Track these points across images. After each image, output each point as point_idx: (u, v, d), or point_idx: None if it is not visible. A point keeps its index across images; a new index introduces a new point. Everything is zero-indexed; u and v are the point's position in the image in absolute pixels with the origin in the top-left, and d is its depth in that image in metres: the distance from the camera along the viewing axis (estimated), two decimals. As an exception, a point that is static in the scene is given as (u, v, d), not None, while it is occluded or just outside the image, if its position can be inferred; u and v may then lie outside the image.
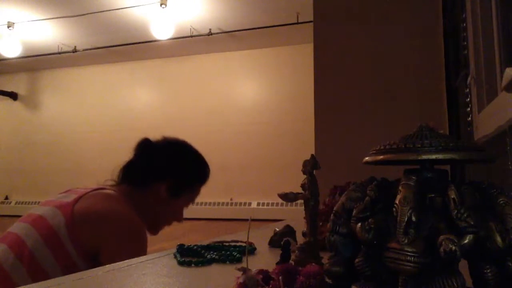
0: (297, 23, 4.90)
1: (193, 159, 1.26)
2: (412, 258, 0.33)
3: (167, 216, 1.24)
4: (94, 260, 0.99)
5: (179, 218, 1.26)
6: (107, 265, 0.69)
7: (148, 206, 1.17)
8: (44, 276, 0.94)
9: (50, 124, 6.93)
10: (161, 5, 4.58)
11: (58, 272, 0.95)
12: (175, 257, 0.72)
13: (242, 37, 5.59)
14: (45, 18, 4.99)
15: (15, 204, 6.75)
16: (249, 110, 6.01)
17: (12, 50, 5.56)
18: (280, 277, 0.43)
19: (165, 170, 1.19)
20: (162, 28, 4.89)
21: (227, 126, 6.05)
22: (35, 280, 0.93)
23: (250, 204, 5.74)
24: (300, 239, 0.78)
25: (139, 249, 1.05)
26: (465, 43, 1.47)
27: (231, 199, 5.84)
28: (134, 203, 1.12)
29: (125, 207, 1.08)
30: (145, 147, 1.21)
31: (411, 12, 1.79)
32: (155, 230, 1.23)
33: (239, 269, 0.45)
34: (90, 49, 5.93)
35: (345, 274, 0.41)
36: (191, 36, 5.39)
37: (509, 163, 0.88)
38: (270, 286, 0.43)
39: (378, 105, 1.78)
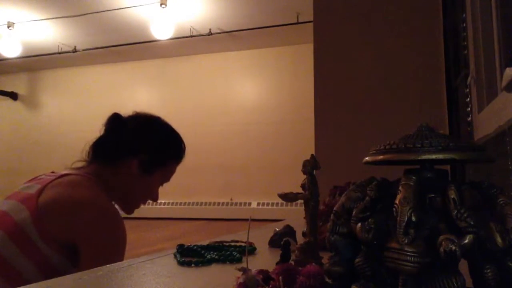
0: (297, 23, 4.90)
1: (166, 134, 1.20)
2: (412, 258, 0.33)
3: (140, 194, 1.18)
4: (72, 253, 0.95)
5: (154, 196, 1.19)
6: (107, 265, 0.69)
7: (120, 184, 1.12)
8: (15, 274, 0.90)
9: (50, 124, 6.93)
10: (161, 5, 4.58)
11: (31, 269, 0.91)
12: (175, 257, 0.72)
13: (242, 37, 5.59)
14: (45, 18, 5.00)
15: (15, 204, 6.75)
16: (249, 110, 6.01)
17: (12, 50, 5.56)
18: (280, 277, 0.43)
19: (136, 145, 1.14)
20: (162, 28, 4.90)
21: (227, 126, 6.05)
22: (7, 279, 0.90)
23: (250, 204, 5.74)
24: (300, 239, 0.78)
25: (116, 233, 1.00)
26: (465, 43, 1.47)
27: (231, 199, 5.85)
28: (104, 183, 1.08)
29: (93, 192, 1.02)
30: (115, 122, 1.16)
31: (411, 12, 1.79)
32: (129, 209, 1.17)
33: (239, 269, 0.45)
34: (90, 49, 5.93)
35: (345, 274, 0.41)
36: (191, 36, 5.39)
37: (509, 163, 0.88)
38: (270, 286, 0.43)
39: (378, 105, 1.78)
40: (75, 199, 0.99)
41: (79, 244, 0.95)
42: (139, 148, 1.14)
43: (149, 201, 1.22)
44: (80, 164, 1.14)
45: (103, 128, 1.16)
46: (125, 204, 1.16)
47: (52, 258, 0.93)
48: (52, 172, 1.11)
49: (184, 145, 1.22)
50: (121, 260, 0.99)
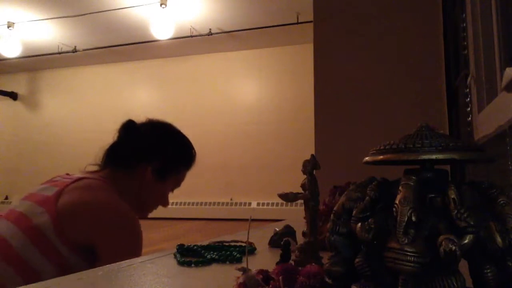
0: (297, 23, 4.90)
1: (179, 141, 1.23)
2: (412, 258, 0.33)
3: (153, 200, 1.20)
4: (90, 254, 0.96)
5: (165, 202, 1.23)
6: (107, 265, 0.69)
7: (134, 189, 1.14)
8: (35, 275, 0.92)
9: (50, 124, 6.93)
10: (161, 5, 4.58)
11: (50, 269, 0.93)
12: (175, 257, 0.72)
13: (242, 37, 5.59)
14: (45, 18, 4.99)
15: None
16: (249, 110, 6.01)
17: (12, 50, 5.56)
18: (280, 277, 0.43)
19: (150, 152, 1.16)
20: (162, 28, 4.89)
21: (227, 126, 6.05)
22: (26, 279, 0.90)
23: (250, 204, 5.74)
24: (300, 239, 0.78)
25: (134, 233, 1.03)
26: (465, 43, 1.47)
27: (231, 199, 5.84)
28: (119, 187, 1.09)
29: (111, 195, 1.04)
30: (129, 129, 1.18)
31: (411, 12, 1.79)
32: (142, 214, 1.20)
33: (239, 269, 0.45)
34: (90, 49, 5.93)
35: (345, 274, 0.41)
36: (191, 36, 5.39)
37: (509, 163, 0.89)
38: (270, 286, 0.43)
39: (378, 105, 1.78)
40: (93, 202, 1.01)
41: (98, 245, 0.97)
42: (153, 155, 1.17)
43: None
44: (93, 168, 1.17)
45: (117, 134, 1.19)
46: (139, 209, 1.18)
47: (71, 259, 0.95)
48: (67, 174, 1.13)
49: (195, 151, 1.25)
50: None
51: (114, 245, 0.99)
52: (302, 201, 0.61)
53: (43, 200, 1.00)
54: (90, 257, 0.97)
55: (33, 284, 0.58)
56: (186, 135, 1.26)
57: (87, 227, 0.98)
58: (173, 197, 1.23)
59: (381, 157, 0.39)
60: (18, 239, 0.94)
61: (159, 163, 1.16)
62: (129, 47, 5.83)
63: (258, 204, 5.70)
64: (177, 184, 1.24)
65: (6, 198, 6.92)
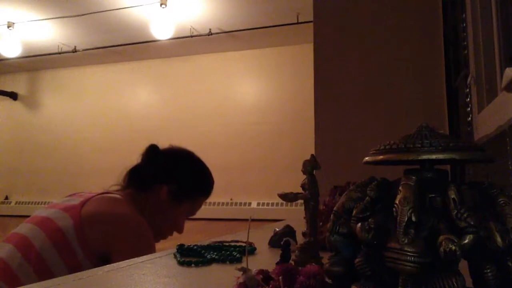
0: (297, 23, 4.90)
1: (198, 169, 1.28)
2: (412, 258, 0.33)
3: (167, 223, 1.25)
4: (102, 262, 0.99)
5: (180, 228, 1.27)
6: (107, 265, 0.69)
7: (150, 211, 1.18)
8: (50, 276, 0.94)
9: (50, 124, 6.93)
10: (161, 5, 4.58)
11: (64, 273, 0.96)
12: (175, 257, 0.72)
13: (242, 37, 5.59)
14: (45, 18, 5.00)
15: (15, 204, 6.76)
16: (249, 110, 6.01)
17: (12, 50, 5.56)
18: (280, 277, 0.43)
19: (168, 174, 1.21)
20: (162, 28, 4.90)
21: (227, 126, 6.05)
22: (42, 280, 0.94)
23: (250, 204, 5.74)
24: (300, 239, 0.78)
25: (149, 248, 1.07)
26: (465, 43, 1.47)
27: (231, 199, 5.84)
28: (138, 207, 1.14)
29: (131, 209, 1.10)
30: (152, 152, 1.24)
31: (411, 12, 1.79)
32: (156, 237, 1.23)
33: (239, 269, 0.45)
34: (90, 49, 5.93)
35: (345, 274, 0.41)
36: (191, 36, 5.39)
37: (509, 163, 0.89)
38: (270, 286, 0.43)
39: (378, 105, 1.78)
40: (115, 213, 1.07)
41: (114, 254, 1.01)
42: (170, 177, 1.21)
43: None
44: (116, 188, 1.22)
45: (140, 157, 1.24)
46: (154, 233, 1.21)
47: (85, 265, 0.98)
48: (90, 192, 1.18)
49: (213, 182, 1.30)
50: None
51: (129, 256, 1.02)
52: (302, 201, 0.61)
53: (68, 207, 1.05)
54: (101, 265, 1.00)
55: (34, 284, 0.58)
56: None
57: (107, 236, 1.02)
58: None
59: (381, 157, 0.39)
60: (40, 239, 0.98)
61: (176, 185, 1.20)
62: (129, 47, 5.83)
63: (258, 204, 5.70)
64: (193, 211, 1.27)
65: (6, 198, 6.92)
